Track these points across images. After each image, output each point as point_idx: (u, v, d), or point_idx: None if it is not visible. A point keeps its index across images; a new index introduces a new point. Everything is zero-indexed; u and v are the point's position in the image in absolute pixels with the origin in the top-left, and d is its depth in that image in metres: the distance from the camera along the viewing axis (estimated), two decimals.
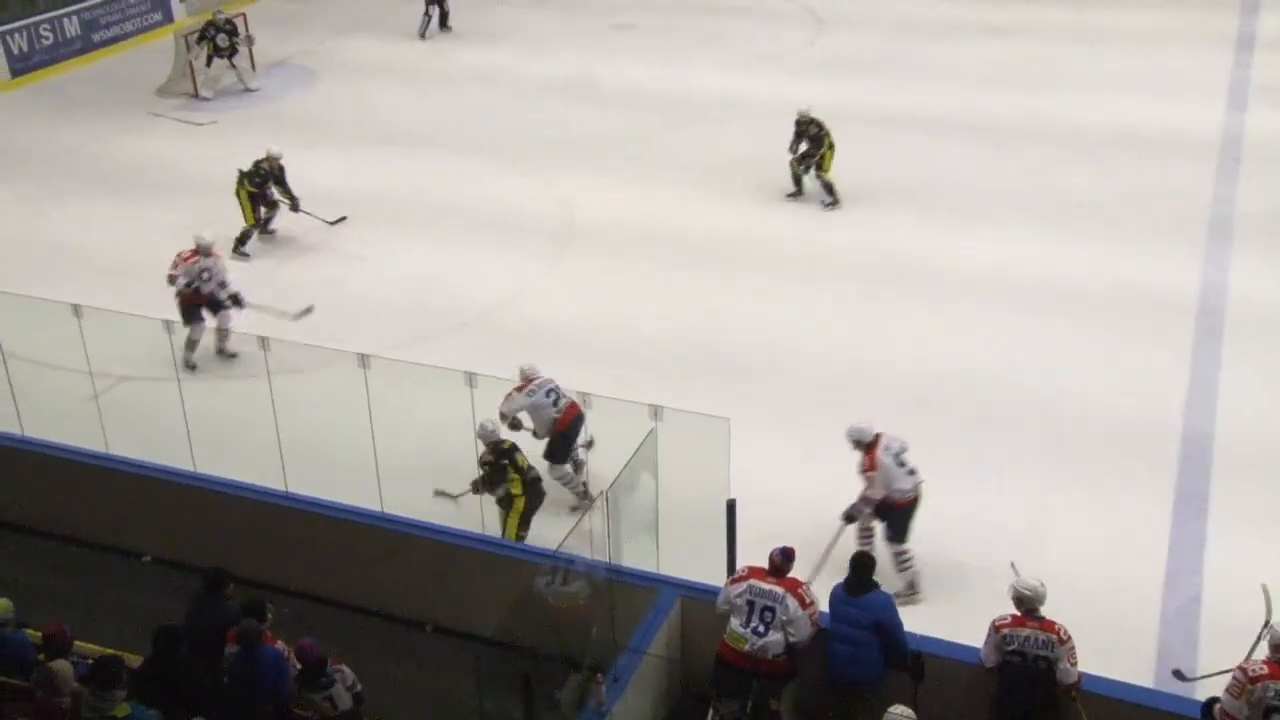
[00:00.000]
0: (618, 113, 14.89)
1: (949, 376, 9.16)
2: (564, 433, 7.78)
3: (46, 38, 16.80)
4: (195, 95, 15.67)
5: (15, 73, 16.35)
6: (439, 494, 7.59)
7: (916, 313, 10.10)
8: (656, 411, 6.43)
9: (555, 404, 7.79)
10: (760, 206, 12.26)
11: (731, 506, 6.20)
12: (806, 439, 8.38)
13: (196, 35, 15.39)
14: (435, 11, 18.53)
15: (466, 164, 13.51)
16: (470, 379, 7.18)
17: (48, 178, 13.34)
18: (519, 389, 7.81)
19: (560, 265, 11.23)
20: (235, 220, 11.62)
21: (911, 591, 7.05)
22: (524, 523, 7.39)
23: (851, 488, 7.09)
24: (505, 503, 7.41)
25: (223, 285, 9.48)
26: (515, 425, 7.77)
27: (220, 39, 15.31)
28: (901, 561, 7.09)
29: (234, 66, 15.65)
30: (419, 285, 10.85)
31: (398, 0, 19.89)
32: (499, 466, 7.33)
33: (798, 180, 12.18)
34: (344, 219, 11.94)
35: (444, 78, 16.60)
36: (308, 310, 9.91)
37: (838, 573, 6.12)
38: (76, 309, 7.84)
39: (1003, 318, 9.99)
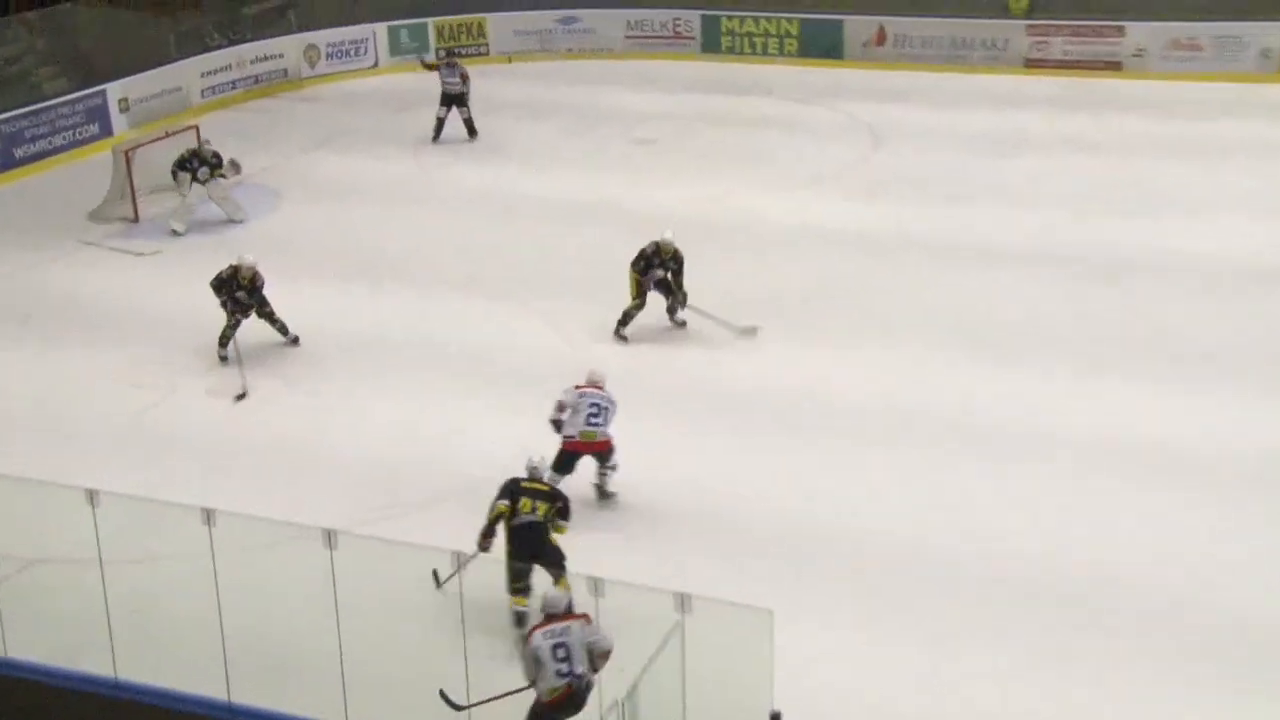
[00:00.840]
0: (639, 239, 15.23)
1: (1033, 559, 9.10)
2: (573, 453, 9.74)
3: None
4: (134, 220, 16.19)
5: None
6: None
7: (989, 479, 10.09)
8: (683, 601, 6.39)
9: (587, 422, 9.74)
10: (805, 348, 12.49)
11: None
12: (871, 633, 8.30)
13: (176, 163, 15.94)
14: (446, 113, 19.33)
15: (457, 298, 13.84)
16: (458, 559, 7.17)
17: None
18: (578, 385, 9.91)
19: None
20: (182, 367, 11.97)
21: None
22: (511, 568, 8.31)
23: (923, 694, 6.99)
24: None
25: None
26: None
27: (202, 172, 15.86)
28: None
29: (219, 203, 16.16)
30: (398, 443, 10.95)
31: (383, 107, 20.78)
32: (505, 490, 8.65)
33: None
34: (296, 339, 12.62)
35: (433, 197, 17.19)
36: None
37: None
38: None
39: (1102, 485, 9.95)
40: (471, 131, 19.54)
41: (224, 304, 12.41)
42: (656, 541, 9.52)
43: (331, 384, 12.07)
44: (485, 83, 22.44)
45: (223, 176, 16.07)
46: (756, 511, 9.87)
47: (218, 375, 12.27)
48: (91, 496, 7.85)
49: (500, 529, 8.55)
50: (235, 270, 12.40)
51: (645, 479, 10.22)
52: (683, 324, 13.01)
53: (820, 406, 11.40)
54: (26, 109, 18.60)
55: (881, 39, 23.05)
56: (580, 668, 7.19)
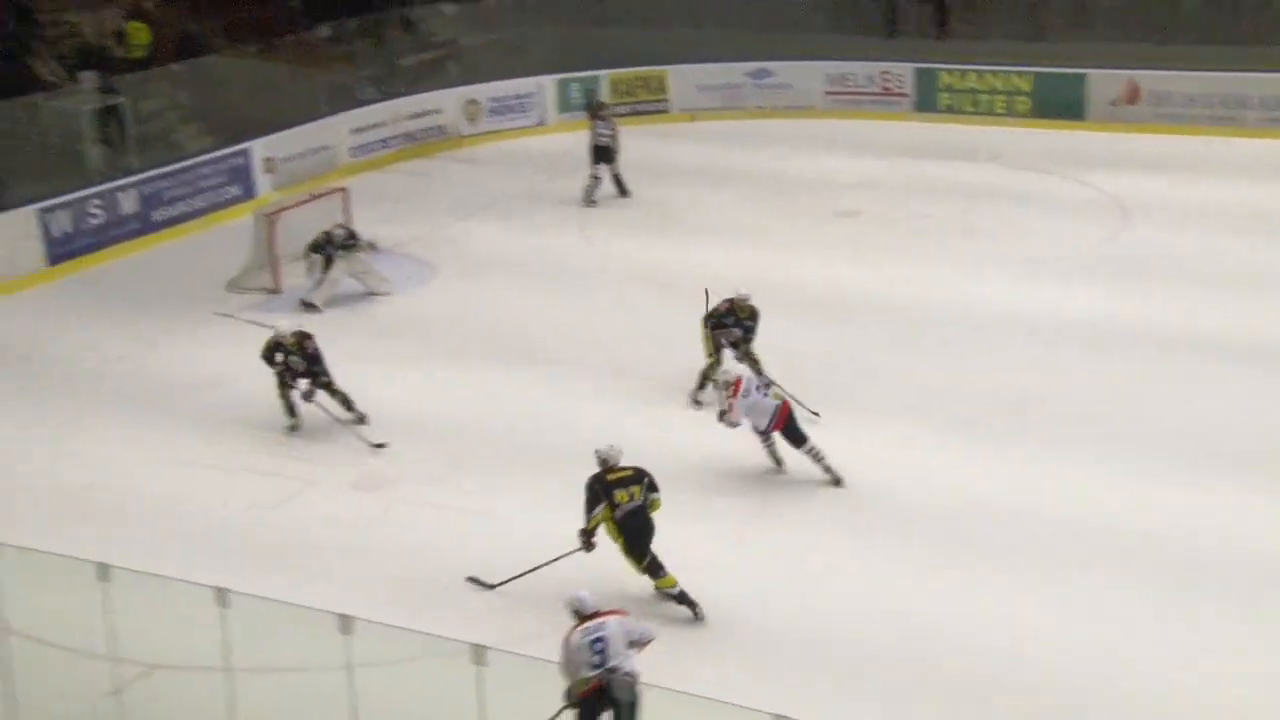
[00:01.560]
0: (836, 327, 15.45)
1: None
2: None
3: (96, 216, 18.78)
4: (275, 291, 17.09)
5: (54, 259, 18.20)
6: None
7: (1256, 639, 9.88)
8: None
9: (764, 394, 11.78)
10: (1033, 463, 12.35)
11: None
12: None
13: (309, 246, 16.89)
14: (604, 172, 20.09)
15: (618, 391, 14.08)
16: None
17: (77, 395, 14.55)
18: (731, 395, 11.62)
19: (752, 534, 11.43)
20: (322, 457, 12.50)
21: None
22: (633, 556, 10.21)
23: None
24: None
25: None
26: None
27: (338, 255, 16.78)
28: None
29: (358, 279, 17.02)
30: (544, 554, 11.07)
31: (547, 170, 21.48)
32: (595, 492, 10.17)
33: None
34: (384, 445, 13.07)
35: (597, 272, 17.68)
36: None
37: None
38: (101, 570, 8.39)
39: None
40: (623, 189, 20.30)
41: (278, 373, 13.19)
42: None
43: (474, 481, 12.38)
44: (662, 144, 23.11)
45: (359, 251, 16.86)
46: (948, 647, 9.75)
47: (360, 468, 12.74)
48: (220, 596, 8.30)
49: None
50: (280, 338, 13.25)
51: (833, 610, 10.19)
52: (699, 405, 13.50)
53: (1026, 525, 11.27)
54: (166, 168, 19.85)
55: (1133, 97, 22.82)
56: (614, 660, 8.35)
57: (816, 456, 11.92)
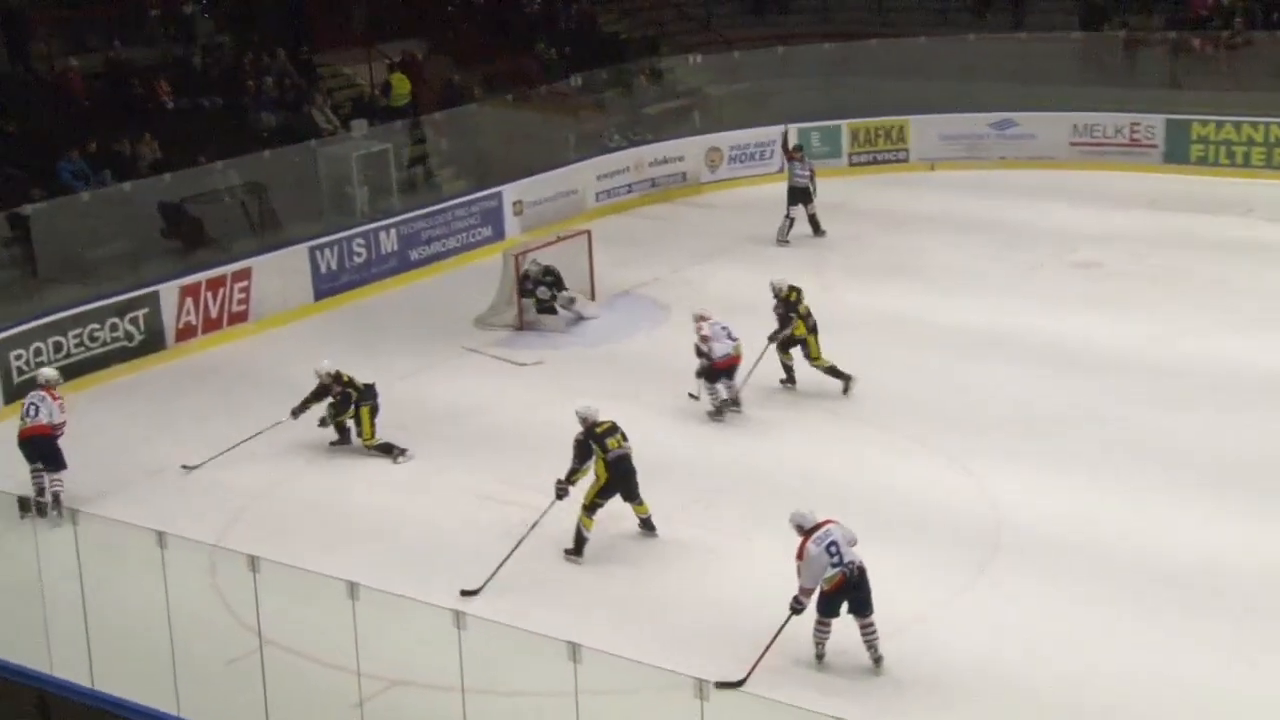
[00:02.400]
0: (1078, 380, 15.08)
1: None
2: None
3: (359, 254, 19.65)
4: (520, 328, 17.56)
5: (320, 294, 19.13)
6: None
7: None
8: None
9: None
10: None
11: None
12: None
13: (516, 288, 17.46)
14: (800, 212, 20.36)
15: (853, 437, 14.07)
16: None
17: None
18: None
19: (978, 585, 11.30)
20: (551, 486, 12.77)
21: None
22: (601, 494, 11.83)
23: None
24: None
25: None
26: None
27: (541, 291, 17.24)
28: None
29: (566, 309, 17.62)
30: (784, 595, 11.12)
31: (780, 220, 21.52)
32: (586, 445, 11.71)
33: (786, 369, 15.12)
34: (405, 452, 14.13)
35: (831, 320, 17.44)
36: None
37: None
38: (350, 588, 8.73)
39: None
40: (817, 229, 20.58)
41: (335, 397, 13.97)
42: None
43: (720, 520, 12.47)
44: (901, 193, 22.90)
45: (556, 290, 17.47)
46: None
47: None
48: (458, 619, 8.53)
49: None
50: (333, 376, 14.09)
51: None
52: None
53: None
54: (425, 210, 20.65)
55: None
56: (849, 557, 9.93)
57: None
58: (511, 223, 21.55)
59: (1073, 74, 25.07)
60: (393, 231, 20.01)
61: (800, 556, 9.99)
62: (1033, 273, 18.86)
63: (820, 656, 10.26)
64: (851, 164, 24.55)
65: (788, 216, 20.68)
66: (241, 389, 16.09)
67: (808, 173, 20.81)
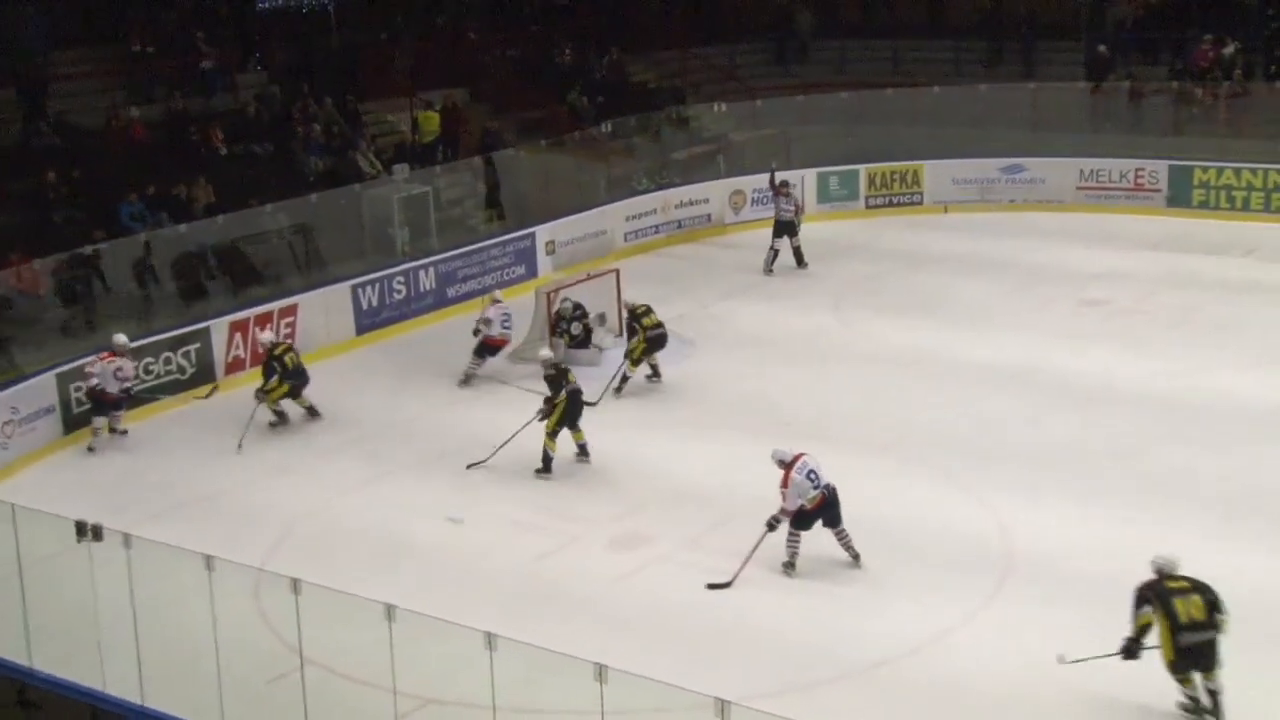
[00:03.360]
0: (1086, 415, 14.98)
1: None
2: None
3: (399, 291, 19.70)
4: None
5: (361, 329, 19.16)
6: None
7: None
8: None
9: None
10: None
11: None
12: None
13: (550, 328, 17.54)
14: (785, 245, 20.81)
15: (873, 467, 14.00)
16: None
17: (382, 451, 15.24)
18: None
19: (987, 613, 11.22)
20: (585, 515, 12.75)
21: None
22: (562, 424, 13.95)
23: None
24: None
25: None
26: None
27: (575, 328, 17.38)
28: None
29: (592, 345, 17.71)
30: (805, 622, 11.19)
31: (807, 256, 21.44)
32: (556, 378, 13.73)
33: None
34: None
35: (852, 354, 17.58)
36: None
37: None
38: (388, 610, 8.75)
39: None
40: (800, 261, 20.87)
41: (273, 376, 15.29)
42: None
43: (735, 547, 12.33)
44: (916, 235, 22.87)
45: (588, 330, 17.52)
46: None
47: (619, 525, 12.95)
48: (490, 640, 8.54)
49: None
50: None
51: None
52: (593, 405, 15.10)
53: None
54: (462, 249, 20.72)
55: None
56: (825, 479, 11.49)
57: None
58: (544, 261, 21.60)
59: (1080, 122, 25.08)
60: (431, 270, 20.09)
61: (785, 485, 11.43)
62: (1045, 310, 18.78)
63: (790, 565, 11.68)
64: (869, 206, 24.53)
65: (772, 248, 21.07)
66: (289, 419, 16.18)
67: (793, 208, 21.18)
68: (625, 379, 16.39)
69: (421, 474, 14.51)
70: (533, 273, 21.40)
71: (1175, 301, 18.73)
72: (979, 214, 23.92)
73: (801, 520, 11.58)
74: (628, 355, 16.49)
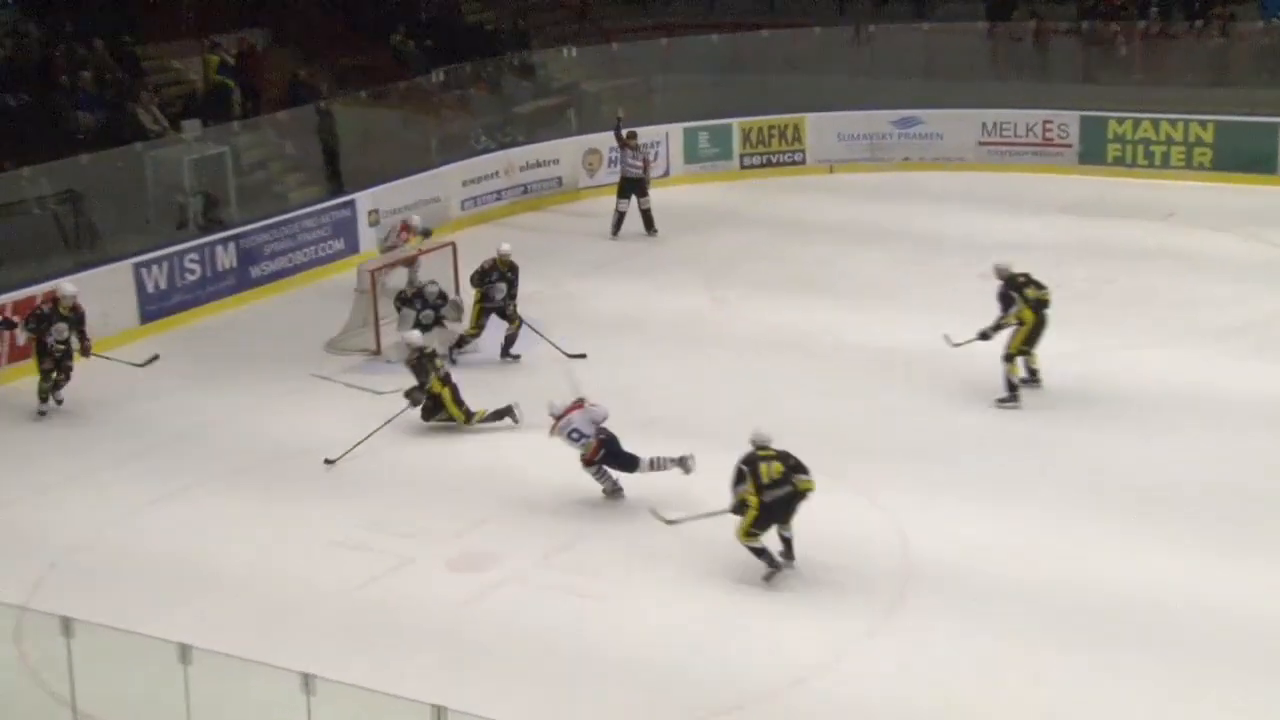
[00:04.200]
0: (989, 403, 15.29)
1: None
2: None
3: (192, 271, 19.28)
4: (376, 352, 17.33)
5: (147, 316, 18.70)
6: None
7: None
8: None
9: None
10: (1218, 557, 12.07)
11: None
12: None
13: (397, 300, 17.32)
14: (631, 206, 21.31)
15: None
16: None
17: (167, 460, 14.88)
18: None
19: (888, 626, 11.34)
20: (422, 531, 12.57)
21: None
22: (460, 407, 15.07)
23: None
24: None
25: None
26: None
27: (425, 315, 17.05)
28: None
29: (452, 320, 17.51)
30: (674, 646, 11.18)
31: (673, 225, 21.66)
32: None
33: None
34: (156, 358, 16.23)
35: (726, 337, 17.72)
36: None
37: None
38: (182, 651, 8.57)
39: None
40: (650, 227, 21.36)
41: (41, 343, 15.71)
42: None
43: (595, 564, 12.47)
44: (798, 199, 23.12)
45: (442, 322, 17.19)
46: None
47: (462, 542, 12.84)
48: (307, 683, 8.41)
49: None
50: (55, 301, 15.66)
51: None
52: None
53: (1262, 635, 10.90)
54: (267, 221, 20.39)
55: None
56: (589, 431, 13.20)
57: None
58: (367, 234, 21.28)
59: (981, 68, 25.60)
60: (231, 246, 19.72)
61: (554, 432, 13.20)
62: (944, 284, 19.10)
63: (608, 491, 13.32)
64: (744, 166, 24.76)
65: (616, 210, 21.39)
66: (60, 425, 15.75)
67: (640, 163, 21.45)
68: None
69: (223, 490, 14.21)
70: (354, 248, 21.11)
71: (1088, 272, 19.17)
72: (869, 174, 24.32)
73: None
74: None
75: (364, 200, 21.40)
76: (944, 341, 15.38)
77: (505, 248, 16.95)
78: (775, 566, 11.89)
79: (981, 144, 24.44)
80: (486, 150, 23.71)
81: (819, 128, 24.79)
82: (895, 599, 11.70)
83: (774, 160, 24.83)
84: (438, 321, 17.12)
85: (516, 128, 24.55)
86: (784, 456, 11.88)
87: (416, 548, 12.78)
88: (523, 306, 17.37)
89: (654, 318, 18.48)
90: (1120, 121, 23.68)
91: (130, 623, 9.71)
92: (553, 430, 13.26)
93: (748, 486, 11.75)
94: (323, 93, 23.49)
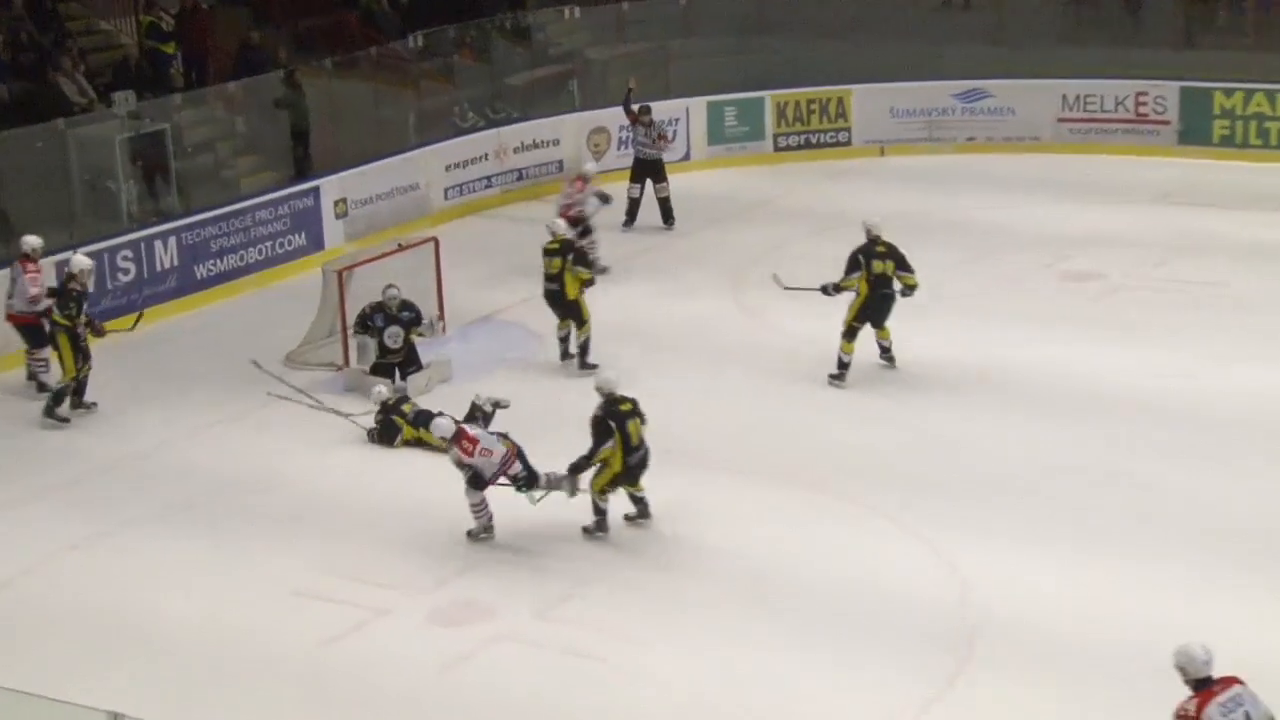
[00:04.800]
0: (1076, 429, 15.32)
1: None
2: None
3: (126, 271, 19.36)
4: (343, 367, 17.39)
5: None
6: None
7: None
8: None
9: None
10: None
11: None
12: None
13: (356, 325, 17.22)
14: (641, 191, 21.58)
15: (785, 504, 14.14)
16: None
17: (99, 496, 14.90)
18: None
19: (954, 692, 11.34)
20: (400, 580, 12.82)
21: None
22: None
23: None
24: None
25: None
26: None
27: (391, 334, 16.83)
28: None
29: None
30: (697, 717, 11.22)
31: (695, 218, 21.86)
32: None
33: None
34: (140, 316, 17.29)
35: (754, 348, 17.79)
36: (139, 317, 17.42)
37: None
38: None
39: None
40: (667, 218, 21.64)
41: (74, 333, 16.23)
42: None
43: (600, 616, 12.53)
44: (840, 186, 23.22)
45: (420, 336, 17.17)
46: None
47: (443, 592, 12.89)
48: None
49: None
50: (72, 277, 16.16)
51: None
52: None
53: None
54: (215, 212, 20.45)
55: None
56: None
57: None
58: (333, 228, 21.39)
59: (1062, 32, 25.57)
60: (171, 241, 19.79)
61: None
62: (1013, 287, 19.16)
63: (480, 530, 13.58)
64: (778, 149, 24.84)
65: (629, 196, 21.53)
66: None
67: (654, 143, 21.65)
68: None
69: (163, 531, 14.23)
70: (318, 244, 21.23)
71: (1188, 274, 19.20)
72: (926, 157, 24.33)
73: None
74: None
75: (329, 188, 21.48)
76: (774, 282, 17.19)
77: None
78: (603, 530, 13.49)
79: (1061, 121, 24.46)
80: (474, 129, 23.86)
81: (867, 102, 24.83)
82: (958, 661, 11.69)
83: (813, 141, 24.89)
84: (408, 339, 17.02)
85: (509, 102, 24.64)
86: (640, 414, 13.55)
87: (391, 598, 12.77)
88: (516, 311, 17.36)
89: (668, 327, 18.58)
90: (1228, 94, 23.68)
91: (51, 687, 9.70)
92: (467, 453, 13.43)
93: (613, 445, 13.17)
94: (280, 60, 23.57)
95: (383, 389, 15.66)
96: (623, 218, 21.72)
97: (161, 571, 13.47)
